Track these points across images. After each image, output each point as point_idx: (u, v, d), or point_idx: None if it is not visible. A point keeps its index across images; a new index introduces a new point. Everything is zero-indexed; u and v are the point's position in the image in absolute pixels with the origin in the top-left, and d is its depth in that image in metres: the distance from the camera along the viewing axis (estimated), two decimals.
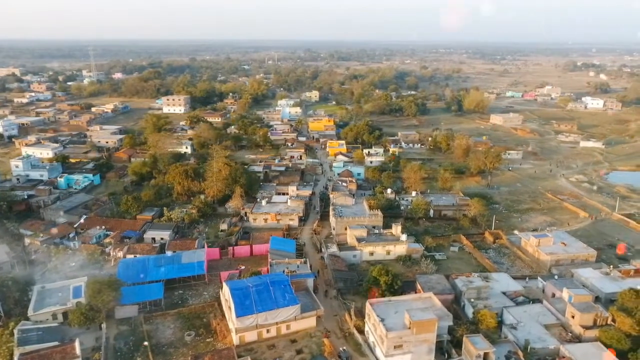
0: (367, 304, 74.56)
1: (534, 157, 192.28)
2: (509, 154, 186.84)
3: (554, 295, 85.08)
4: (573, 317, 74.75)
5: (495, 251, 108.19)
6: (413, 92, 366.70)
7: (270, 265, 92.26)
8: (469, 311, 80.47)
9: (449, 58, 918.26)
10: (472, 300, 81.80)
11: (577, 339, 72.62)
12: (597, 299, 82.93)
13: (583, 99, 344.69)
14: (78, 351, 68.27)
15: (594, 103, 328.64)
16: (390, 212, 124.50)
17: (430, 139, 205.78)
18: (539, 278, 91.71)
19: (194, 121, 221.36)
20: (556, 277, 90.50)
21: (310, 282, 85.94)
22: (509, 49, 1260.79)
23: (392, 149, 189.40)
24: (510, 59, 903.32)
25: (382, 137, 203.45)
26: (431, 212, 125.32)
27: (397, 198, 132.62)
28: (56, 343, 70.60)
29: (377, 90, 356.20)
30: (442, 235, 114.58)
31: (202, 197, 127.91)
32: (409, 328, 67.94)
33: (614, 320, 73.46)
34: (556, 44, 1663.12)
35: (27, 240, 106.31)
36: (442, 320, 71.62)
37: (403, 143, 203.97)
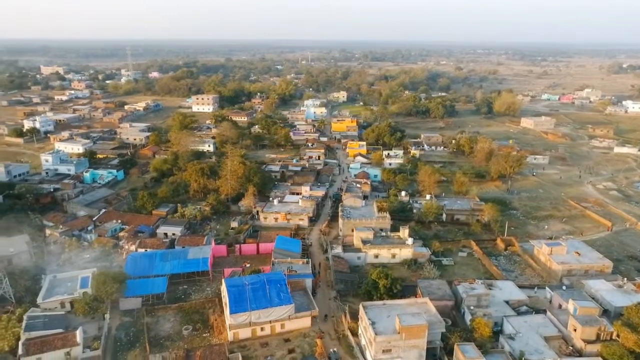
0: (360, 307, 74.28)
1: (561, 162, 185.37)
2: (534, 159, 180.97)
3: (560, 306, 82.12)
4: (575, 330, 71.88)
5: (506, 258, 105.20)
6: (444, 94, 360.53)
7: (273, 264, 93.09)
8: (469, 318, 78.72)
9: (486, 59, 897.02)
10: (472, 307, 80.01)
11: (578, 354, 69.89)
12: (606, 313, 79.53)
13: (624, 102, 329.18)
14: (79, 339, 71.21)
15: (636, 107, 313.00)
16: (402, 215, 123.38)
17: (453, 141, 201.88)
18: (547, 288, 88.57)
19: (219, 120, 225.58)
20: (564, 287, 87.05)
21: (308, 283, 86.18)
22: (552, 50, 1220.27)
23: (413, 151, 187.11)
24: (552, 60, 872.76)
25: (404, 138, 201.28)
26: (444, 216, 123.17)
27: (410, 201, 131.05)
28: (60, 330, 73.93)
29: (406, 92, 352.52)
30: (452, 240, 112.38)
31: (215, 195, 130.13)
32: (399, 333, 67.21)
33: (618, 336, 70.17)
34: (603, 44, 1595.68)
35: (47, 232, 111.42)
36: (435, 327, 70.53)
37: (425, 145, 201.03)
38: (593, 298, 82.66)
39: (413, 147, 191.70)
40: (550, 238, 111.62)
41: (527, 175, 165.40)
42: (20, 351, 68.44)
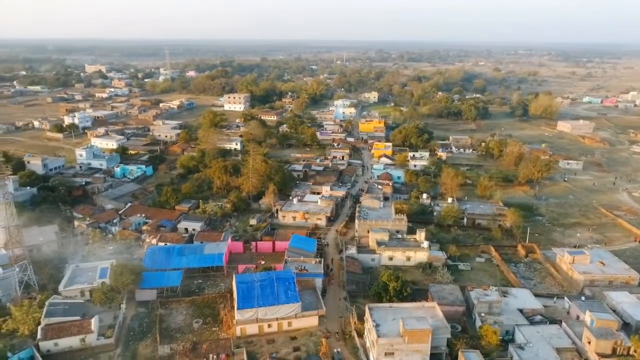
0: (366, 308, 74.00)
1: (596, 168, 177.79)
2: (567, 164, 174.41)
3: (578, 317, 79.02)
4: (589, 342, 69.02)
5: (526, 266, 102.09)
6: (478, 95, 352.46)
7: (285, 262, 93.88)
8: (478, 325, 76.95)
9: (527, 60, 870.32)
10: (483, 314, 78.21)
11: None
12: (627, 326, 76.08)
13: None
14: (93, 327, 74.26)
15: None
16: (422, 218, 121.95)
17: (483, 144, 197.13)
18: (565, 298, 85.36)
19: (248, 119, 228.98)
20: (583, 298, 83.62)
21: (318, 282, 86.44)
22: (599, 51, 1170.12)
23: (440, 153, 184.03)
24: (598, 61, 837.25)
25: (431, 140, 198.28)
26: (465, 220, 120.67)
27: (431, 204, 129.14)
28: (78, 318, 77.20)
29: (439, 93, 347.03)
30: (471, 244, 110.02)
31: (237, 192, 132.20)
32: (402, 336, 66.52)
33: (636, 351, 66.89)
34: None
35: (76, 223, 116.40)
36: (440, 332, 69.39)
37: (453, 147, 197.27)
38: (614, 310, 79.14)
39: (440, 149, 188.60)
40: (575, 246, 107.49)
41: (558, 181, 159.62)
42: (39, 335, 72.07)
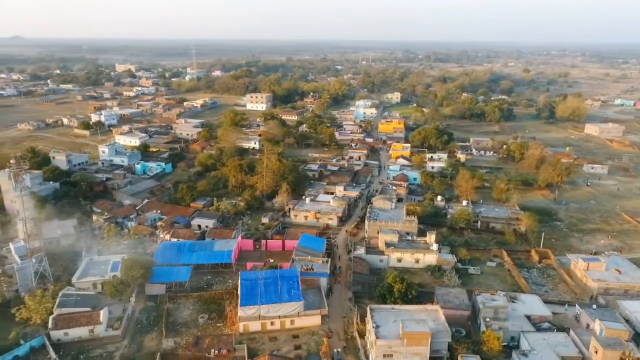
0: (367, 309, 73.80)
1: (623, 173, 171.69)
2: (592, 168, 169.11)
3: (588, 326, 76.77)
4: (596, 352, 66.99)
5: (539, 271, 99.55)
6: (504, 97, 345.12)
7: (293, 261, 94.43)
8: (482, 330, 75.64)
9: (560, 61, 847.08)
10: (488, 319, 76.80)
11: None
12: (639, 337, 73.45)
13: None
14: (101, 318, 76.50)
15: None
16: (435, 220, 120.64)
17: (504, 146, 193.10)
18: (576, 305, 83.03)
19: (268, 118, 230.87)
20: (594, 306, 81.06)
21: (323, 282, 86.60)
22: (637, 51, 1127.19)
23: (459, 155, 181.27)
24: (635, 62, 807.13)
25: (451, 142, 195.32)
26: (478, 223, 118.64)
27: (445, 206, 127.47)
28: (89, 309, 79.72)
29: (464, 94, 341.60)
30: (483, 248, 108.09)
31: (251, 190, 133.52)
32: (401, 338, 66.09)
33: None
34: None
35: (94, 217, 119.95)
36: (441, 336, 68.65)
37: (474, 149, 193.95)
38: (627, 320, 76.58)
39: (460, 151, 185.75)
40: (592, 253, 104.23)
41: (580, 186, 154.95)
42: (50, 325, 74.77)
